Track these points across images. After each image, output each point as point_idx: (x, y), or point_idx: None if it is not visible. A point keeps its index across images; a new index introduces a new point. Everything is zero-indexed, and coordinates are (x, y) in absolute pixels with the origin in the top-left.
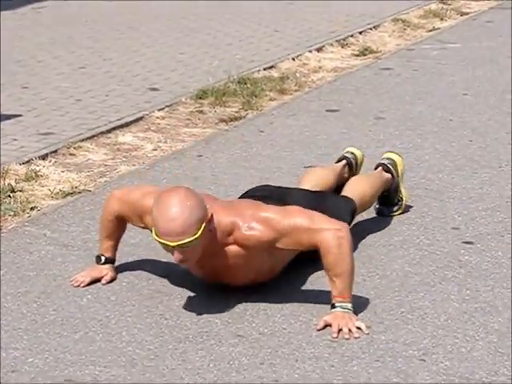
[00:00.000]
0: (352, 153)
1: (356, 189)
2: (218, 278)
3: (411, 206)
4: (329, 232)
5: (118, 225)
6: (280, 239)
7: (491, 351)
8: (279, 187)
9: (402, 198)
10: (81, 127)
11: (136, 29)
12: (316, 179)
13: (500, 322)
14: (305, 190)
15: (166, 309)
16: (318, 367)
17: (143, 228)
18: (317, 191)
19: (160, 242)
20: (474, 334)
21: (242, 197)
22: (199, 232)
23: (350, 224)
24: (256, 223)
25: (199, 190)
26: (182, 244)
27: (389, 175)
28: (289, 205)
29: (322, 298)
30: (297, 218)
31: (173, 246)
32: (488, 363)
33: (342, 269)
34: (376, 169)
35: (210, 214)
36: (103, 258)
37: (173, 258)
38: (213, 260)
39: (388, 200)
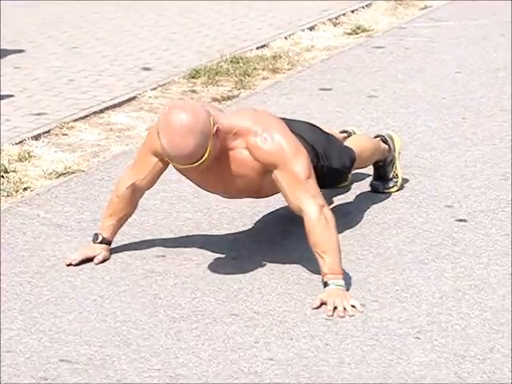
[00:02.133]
0: (352, 129)
1: (356, 142)
2: (216, 183)
3: (405, 184)
4: (314, 203)
5: (127, 201)
6: (277, 169)
7: (486, 328)
8: (293, 120)
9: (397, 175)
10: (73, 107)
11: (128, 8)
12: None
13: (494, 299)
14: (316, 126)
15: (160, 288)
16: (313, 345)
17: (164, 168)
18: (325, 131)
19: (169, 162)
20: (468, 312)
21: None
22: (206, 154)
23: (350, 170)
24: (271, 141)
25: None
26: (192, 167)
27: (386, 146)
28: (293, 131)
29: (316, 276)
30: (300, 165)
31: (182, 168)
32: (483, 340)
33: (330, 245)
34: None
35: (215, 128)
36: (100, 237)
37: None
38: (220, 161)
39: (383, 172)
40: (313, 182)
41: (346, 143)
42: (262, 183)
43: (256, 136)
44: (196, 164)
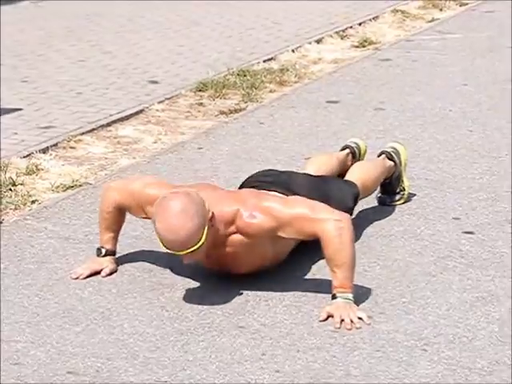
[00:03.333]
0: (355, 142)
1: (359, 174)
2: (222, 266)
3: (412, 197)
4: (329, 222)
5: (118, 216)
6: (281, 228)
7: (492, 340)
8: (283, 172)
9: (404, 188)
10: (81, 120)
11: (136, 21)
12: (319, 164)
13: (501, 312)
14: (308, 174)
15: (167, 301)
16: (320, 358)
17: (144, 218)
18: (320, 175)
19: (167, 250)
20: (475, 324)
21: (245, 181)
22: (203, 237)
23: (353, 209)
24: (258, 212)
25: (200, 181)
26: (188, 252)
27: (391, 163)
28: (292, 190)
29: (324, 288)
30: (298, 208)
31: (180, 255)
32: (489, 352)
33: (343, 259)
34: (379, 156)
35: (210, 214)
36: (103, 251)
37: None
38: (217, 249)
39: (390, 188)
40: (319, 208)
41: (350, 174)
42: (265, 253)
43: (243, 217)
44: (193, 249)
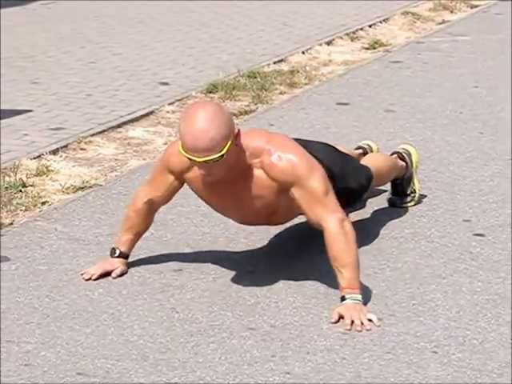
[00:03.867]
0: (368, 144)
1: (372, 161)
2: (233, 203)
3: (422, 199)
4: (335, 216)
5: (144, 215)
6: (294, 186)
7: (503, 343)
8: (308, 140)
9: (415, 190)
10: (91, 122)
11: (146, 23)
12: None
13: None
14: (332, 146)
15: (177, 302)
16: (330, 359)
17: (180, 186)
18: (341, 151)
19: (186, 157)
20: (485, 326)
21: None
22: (225, 149)
23: (367, 189)
24: (286, 159)
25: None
26: (208, 160)
27: (403, 163)
28: (315, 156)
29: (333, 290)
30: (317, 181)
31: (199, 162)
32: (499, 355)
33: (349, 259)
34: (391, 156)
35: (237, 130)
36: (118, 252)
37: (201, 172)
38: (235, 180)
39: (401, 190)
40: (331, 197)
41: (363, 162)
42: (278, 204)
43: (270, 155)
44: (214, 156)
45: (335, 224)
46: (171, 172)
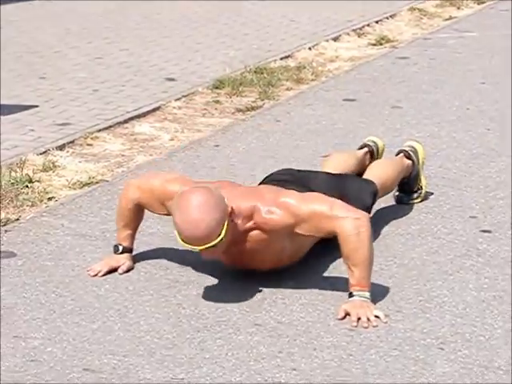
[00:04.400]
0: (373, 141)
1: (377, 172)
2: (240, 263)
3: (429, 195)
4: (347, 220)
5: (137, 213)
6: (299, 224)
7: (509, 339)
8: (301, 171)
9: (421, 187)
10: (98, 117)
11: (152, 19)
12: (338, 162)
13: None
14: (326, 172)
15: (183, 298)
16: (336, 356)
17: (165, 215)
18: (338, 174)
19: (185, 246)
20: (492, 323)
21: (264, 179)
22: (223, 232)
23: (371, 207)
24: (276, 207)
25: (216, 180)
26: (208, 247)
27: (409, 162)
28: (310, 188)
29: (340, 286)
30: (316, 205)
31: (200, 250)
32: (506, 351)
33: (361, 258)
34: (397, 155)
35: (230, 208)
36: (121, 248)
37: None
38: (236, 245)
39: (408, 187)
40: (337, 206)
41: (367, 175)
42: (284, 248)
43: (261, 213)
44: (213, 243)
45: (348, 225)
46: (166, 208)
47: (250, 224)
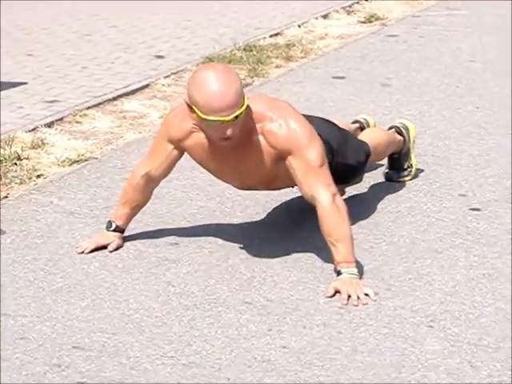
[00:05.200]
0: (364, 118)
1: (370, 136)
2: (234, 171)
3: (419, 173)
4: (328, 191)
5: (141, 190)
6: (291, 155)
7: (499, 317)
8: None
9: (412, 165)
10: (87, 95)
11: None
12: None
13: (508, 288)
14: (329, 121)
15: (173, 276)
16: (326, 334)
17: (180, 156)
18: (339, 127)
19: (214, 120)
20: (481, 300)
21: None
22: (245, 100)
23: (364, 165)
24: (286, 127)
25: None
26: (239, 114)
27: (401, 138)
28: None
29: (330, 264)
30: (314, 152)
31: (229, 120)
32: (496, 329)
33: (343, 233)
34: (389, 130)
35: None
36: (114, 225)
37: (226, 134)
38: (236, 146)
39: (398, 164)
40: (326, 171)
41: (360, 137)
42: (276, 171)
43: (271, 122)
44: (241, 109)
45: (328, 198)
46: (170, 141)
47: (257, 126)
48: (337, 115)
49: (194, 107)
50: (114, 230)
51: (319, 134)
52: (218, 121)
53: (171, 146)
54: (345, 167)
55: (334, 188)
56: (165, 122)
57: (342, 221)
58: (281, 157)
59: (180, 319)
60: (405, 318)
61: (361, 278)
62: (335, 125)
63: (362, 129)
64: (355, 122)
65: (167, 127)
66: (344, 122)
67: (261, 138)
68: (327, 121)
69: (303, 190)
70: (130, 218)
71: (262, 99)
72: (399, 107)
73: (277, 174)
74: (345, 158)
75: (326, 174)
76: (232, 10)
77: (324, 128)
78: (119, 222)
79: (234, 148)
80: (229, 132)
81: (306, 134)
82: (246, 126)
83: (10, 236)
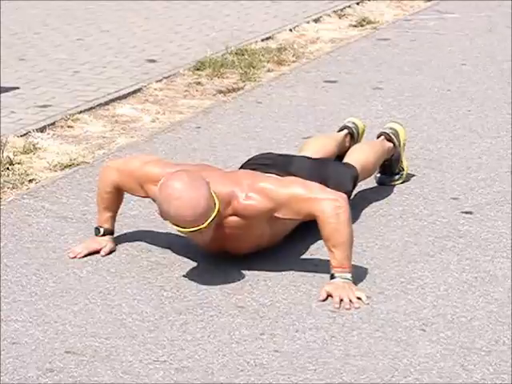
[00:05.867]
0: (353, 123)
1: (358, 156)
2: (220, 247)
3: (410, 177)
4: (326, 202)
5: (116, 196)
6: (278, 209)
7: (491, 321)
8: (281, 155)
9: (403, 169)
10: (78, 99)
11: (133, 0)
12: (318, 146)
13: (500, 292)
14: (307, 157)
15: (165, 280)
16: (319, 337)
17: (143, 197)
18: (319, 158)
19: (178, 230)
20: (473, 304)
21: (244, 164)
22: (215, 211)
23: (352, 191)
24: (253, 193)
25: (197, 161)
26: (202, 228)
27: (391, 144)
28: (291, 172)
29: (322, 268)
30: (294, 188)
31: (191, 233)
32: (488, 332)
33: (341, 239)
34: (378, 137)
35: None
36: (102, 230)
37: (193, 241)
38: (215, 231)
39: (389, 169)
40: (316, 189)
41: (348, 158)
42: (264, 233)
43: (239, 199)
44: (207, 222)
45: (327, 206)
46: (145, 191)
47: (228, 210)
48: (328, 119)
49: None
50: (104, 235)
51: (299, 176)
52: (181, 231)
53: (144, 194)
54: None
55: (332, 194)
56: (143, 172)
57: (340, 226)
58: (266, 218)
59: (172, 323)
60: (397, 322)
61: (353, 281)
62: (317, 160)
63: (351, 135)
64: (343, 127)
65: (144, 180)
66: (329, 133)
67: (237, 218)
68: (307, 158)
69: (306, 219)
70: (114, 218)
71: (220, 178)
72: (391, 111)
73: (264, 235)
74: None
75: (317, 193)
76: (224, 14)
77: (305, 169)
78: (106, 225)
79: (216, 236)
80: (196, 239)
81: (274, 183)
82: (220, 214)
83: (3, 241)
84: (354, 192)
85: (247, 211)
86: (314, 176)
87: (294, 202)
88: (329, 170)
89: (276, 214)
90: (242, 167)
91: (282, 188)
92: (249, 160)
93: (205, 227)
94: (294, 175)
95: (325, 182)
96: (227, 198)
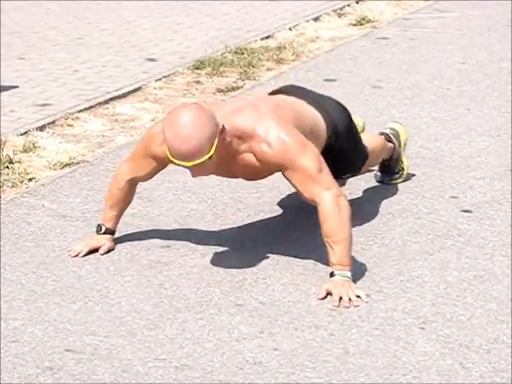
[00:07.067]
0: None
1: (369, 141)
2: (233, 176)
3: (410, 175)
4: (330, 193)
5: (127, 192)
6: (287, 169)
7: (490, 319)
8: (313, 91)
9: (403, 168)
10: (78, 98)
11: None
12: None
13: (499, 290)
14: (344, 108)
15: (165, 278)
16: (318, 336)
17: (162, 169)
18: (352, 118)
19: (174, 163)
20: (473, 302)
21: (274, 92)
22: (212, 149)
23: (361, 166)
24: (275, 144)
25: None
26: (197, 164)
27: (391, 145)
28: (324, 108)
29: (321, 266)
30: (309, 160)
31: (188, 166)
32: (487, 331)
33: (342, 235)
34: None
35: (221, 126)
36: (103, 228)
37: (191, 175)
38: (227, 163)
39: (389, 169)
40: (325, 174)
41: None
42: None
43: (260, 142)
44: (201, 160)
45: (330, 200)
46: (153, 157)
47: (245, 146)
48: None
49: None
50: (105, 233)
51: (329, 113)
52: (177, 164)
53: (155, 162)
54: (344, 155)
55: (336, 189)
56: (147, 136)
57: (341, 223)
58: (276, 170)
59: (172, 322)
60: (396, 320)
61: (354, 281)
62: (348, 113)
63: None
64: None
65: (149, 143)
66: None
67: (251, 156)
68: (341, 105)
69: (304, 197)
70: (118, 218)
71: (248, 113)
72: (390, 109)
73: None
74: (347, 145)
75: (325, 178)
76: (223, 13)
77: (335, 109)
78: (109, 225)
79: (224, 165)
80: (193, 175)
81: (296, 144)
82: (233, 149)
83: (2, 239)
84: (354, 190)
85: (263, 157)
86: (341, 120)
87: (302, 172)
88: (354, 129)
89: (284, 172)
90: (277, 92)
91: (300, 153)
92: (280, 89)
93: (203, 161)
94: (329, 113)
95: (347, 131)
96: (248, 135)
